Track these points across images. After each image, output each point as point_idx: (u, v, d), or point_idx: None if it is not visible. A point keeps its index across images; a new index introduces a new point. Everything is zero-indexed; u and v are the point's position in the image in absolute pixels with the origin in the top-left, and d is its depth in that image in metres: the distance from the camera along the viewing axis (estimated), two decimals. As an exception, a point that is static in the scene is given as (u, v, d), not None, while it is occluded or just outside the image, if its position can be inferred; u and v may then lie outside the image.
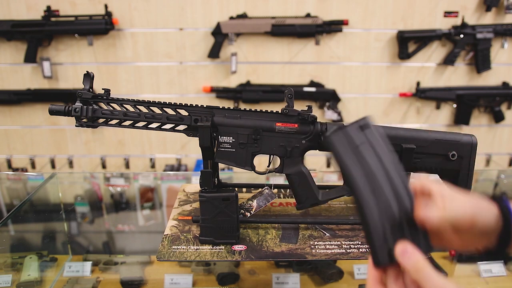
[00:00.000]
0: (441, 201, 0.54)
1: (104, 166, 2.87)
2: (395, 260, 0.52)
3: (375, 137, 0.55)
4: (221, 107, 0.99)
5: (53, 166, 2.86)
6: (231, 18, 2.55)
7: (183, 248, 0.98)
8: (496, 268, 1.23)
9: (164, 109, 1.00)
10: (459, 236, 0.57)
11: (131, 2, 2.56)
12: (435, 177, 1.02)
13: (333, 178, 1.98)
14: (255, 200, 1.07)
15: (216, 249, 0.98)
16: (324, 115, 2.69)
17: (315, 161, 2.83)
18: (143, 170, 2.87)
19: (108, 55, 2.65)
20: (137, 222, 1.68)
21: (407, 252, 0.52)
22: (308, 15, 2.55)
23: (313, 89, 2.65)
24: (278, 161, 1.03)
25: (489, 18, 2.61)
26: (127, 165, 2.86)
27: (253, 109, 1.00)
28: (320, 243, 1.00)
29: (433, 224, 0.53)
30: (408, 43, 2.60)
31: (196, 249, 0.98)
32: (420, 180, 0.57)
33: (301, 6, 2.57)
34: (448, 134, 1.00)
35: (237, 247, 0.98)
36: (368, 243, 0.55)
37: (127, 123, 1.01)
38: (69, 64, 2.68)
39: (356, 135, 0.56)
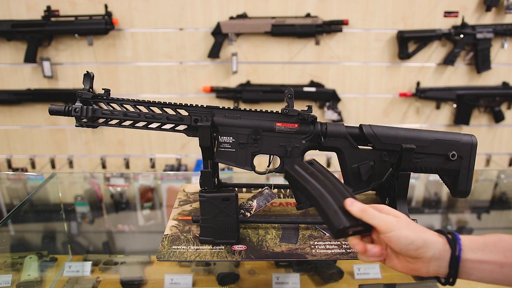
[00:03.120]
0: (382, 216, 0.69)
1: (104, 166, 2.87)
2: (350, 221, 0.69)
3: (319, 167, 0.80)
4: (221, 107, 0.99)
5: (53, 166, 2.86)
6: (231, 18, 2.55)
7: (183, 248, 0.98)
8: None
9: (164, 109, 1.00)
10: (408, 261, 0.68)
11: (131, 2, 2.56)
12: (435, 177, 1.02)
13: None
14: (255, 200, 1.07)
15: (216, 249, 0.98)
16: (324, 115, 2.69)
17: (315, 161, 2.82)
18: (143, 170, 2.87)
19: (108, 55, 2.65)
20: (137, 222, 1.68)
21: (352, 202, 0.69)
22: (308, 15, 2.55)
23: (313, 89, 2.65)
24: (278, 161, 1.03)
25: (489, 18, 2.61)
26: (127, 165, 2.86)
27: (253, 109, 1.00)
28: (320, 243, 1.00)
29: (352, 212, 0.69)
30: (408, 43, 2.60)
31: (196, 249, 0.98)
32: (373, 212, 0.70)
33: (301, 6, 2.57)
34: (448, 134, 1.00)
35: (237, 247, 0.98)
36: (328, 222, 0.71)
37: (127, 123, 1.01)
38: (69, 64, 2.68)
39: (305, 167, 0.79)
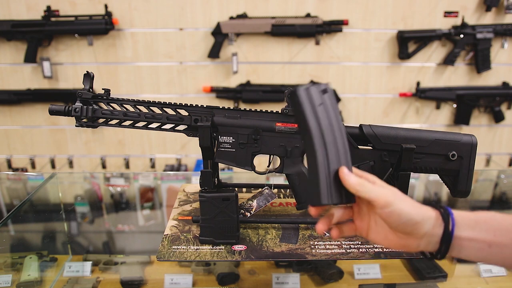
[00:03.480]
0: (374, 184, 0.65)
1: (104, 166, 2.87)
2: (335, 199, 0.64)
3: (330, 102, 0.67)
4: (221, 107, 0.99)
5: (53, 166, 2.86)
6: (231, 18, 2.55)
7: (183, 248, 0.98)
8: (496, 268, 1.23)
9: (164, 109, 1.00)
10: (398, 237, 0.66)
11: (131, 2, 2.56)
12: (435, 177, 1.02)
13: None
14: (255, 200, 1.07)
15: (216, 249, 0.98)
16: (324, 115, 2.68)
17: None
18: (143, 170, 2.87)
19: (108, 55, 2.65)
20: (137, 222, 1.68)
21: (349, 174, 0.64)
22: (308, 15, 2.55)
23: (313, 89, 2.65)
24: (278, 161, 1.03)
25: (489, 18, 2.61)
26: (127, 165, 2.86)
27: (253, 109, 1.00)
28: (320, 243, 1.00)
29: (347, 184, 0.64)
30: (408, 43, 2.60)
31: (196, 249, 0.98)
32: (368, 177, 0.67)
33: (301, 6, 2.57)
34: (448, 134, 1.00)
35: (237, 247, 0.98)
36: (314, 186, 0.65)
37: (127, 123, 1.01)
38: (69, 64, 2.68)
39: (317, 96, 0.67)
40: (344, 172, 0.65)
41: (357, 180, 0.64)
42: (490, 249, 0.63)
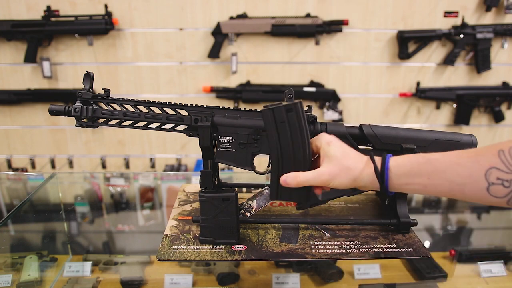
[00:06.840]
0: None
1: (104, 166, 2.87)
2: (281, 197, 0.90)
3: (294, 120, 0.81)
4: (221, 107, 0.99)
5: (53, 166, 2.86)
6: (231, 18, 2.55)
7: (183, 248, 0.98)
8: (496, 268, 1.23)
9: (164, 109, 1.00)
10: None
11: (131, 2, 2.56)
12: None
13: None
14: (255, 200, 1.07)
15: (216, 249, 0.98)
16: (324, 115, 2.69)
17: (315, 161, 2.82)
18: (143, 170, 2.87)
19: (108, 55, 2.65)
20: (137, 222, 1.68)
21: (288, 178, 0.83)
22: (308, 15, 2.55)
23: (313, 89, 2.65)
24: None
25: (489, 18, 2.61)
26: (127, 165, 2.86)
27: (253, 109, 1.00)
28: (320, 243, 1.00)
29: (288, 185, 0.84)
30: (408, 43, 2.60)
31: (196, 249, 0.98)
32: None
33: (301, 6, 2.57)
34: (448, 134, 1.00)
35: (237, 247, 0.98)
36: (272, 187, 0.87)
37: (127, 123, 1.01)
38: (69, 64, 2.68)
39: (280, 115, 0.81)
40: (282, 179, 0.83)
41: (292, 177, 0.82)
42: (426, 188, 0.73)
